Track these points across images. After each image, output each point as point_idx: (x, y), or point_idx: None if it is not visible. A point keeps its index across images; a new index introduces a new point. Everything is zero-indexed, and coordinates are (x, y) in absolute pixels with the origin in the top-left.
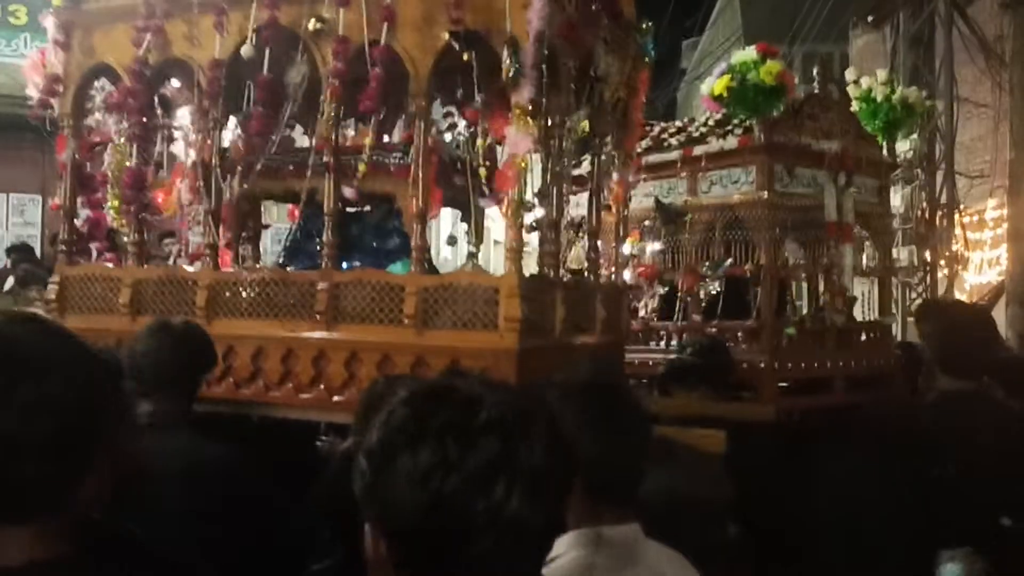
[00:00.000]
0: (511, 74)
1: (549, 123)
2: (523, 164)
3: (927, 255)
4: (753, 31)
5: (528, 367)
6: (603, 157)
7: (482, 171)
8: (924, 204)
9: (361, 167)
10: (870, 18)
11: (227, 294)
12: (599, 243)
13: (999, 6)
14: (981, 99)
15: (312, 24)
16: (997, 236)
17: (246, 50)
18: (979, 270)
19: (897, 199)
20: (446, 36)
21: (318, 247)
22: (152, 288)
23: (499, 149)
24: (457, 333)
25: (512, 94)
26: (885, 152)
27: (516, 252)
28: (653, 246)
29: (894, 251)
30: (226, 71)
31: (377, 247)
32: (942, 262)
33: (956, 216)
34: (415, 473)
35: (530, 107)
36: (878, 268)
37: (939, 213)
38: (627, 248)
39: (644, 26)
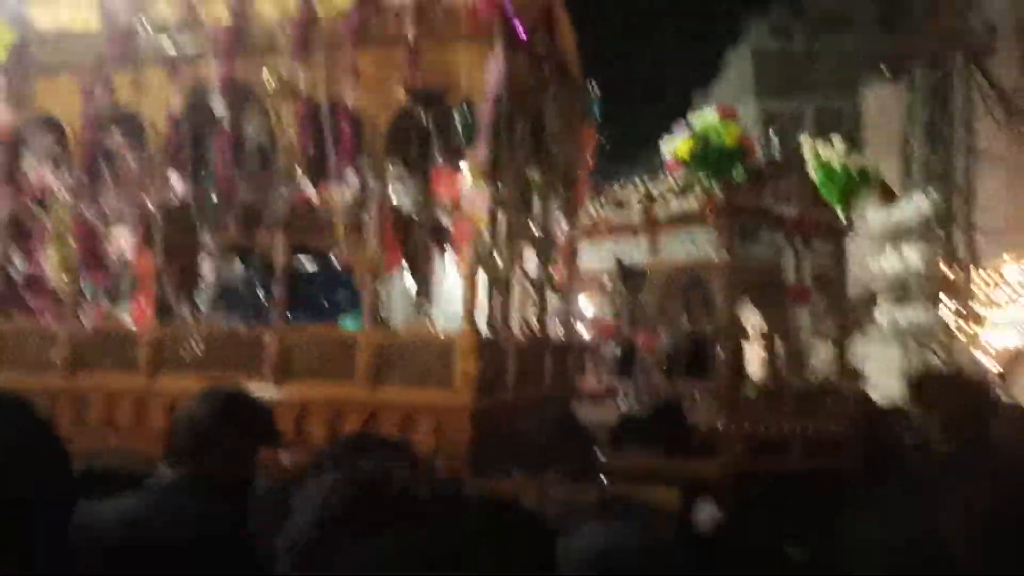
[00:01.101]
0: (463, 133)
1: (503, 181)
2: (480, 221)
3: (945, 314)
4: (764, 84)
5: (482, 424)
6: (550, 214)
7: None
8: (942, 261)
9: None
10: (882, 66)
11: (171, 349)
12: (547, 298)
13: (1019, 58)
14: (998, 153)
15: (269, 80)
16: (1016, 292)
17: (218, 107)
18: (997, 329)
19: (914, 255)
20: (402, 95)
21: (261, 300)
22: (91, 344)
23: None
24: (411, 389)
25: (467, 153)
26: (841, 218)
27: (471, 308)
28: (606, 303)
29: (912, 311)
30: (179, 125)
31: (325, 301)
32: (960, 321)
33: (976, 273)
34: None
35: (486, 166)
36: (833, 331)
37: (957, 270)
38: (583, 305)
39: (591, 87)
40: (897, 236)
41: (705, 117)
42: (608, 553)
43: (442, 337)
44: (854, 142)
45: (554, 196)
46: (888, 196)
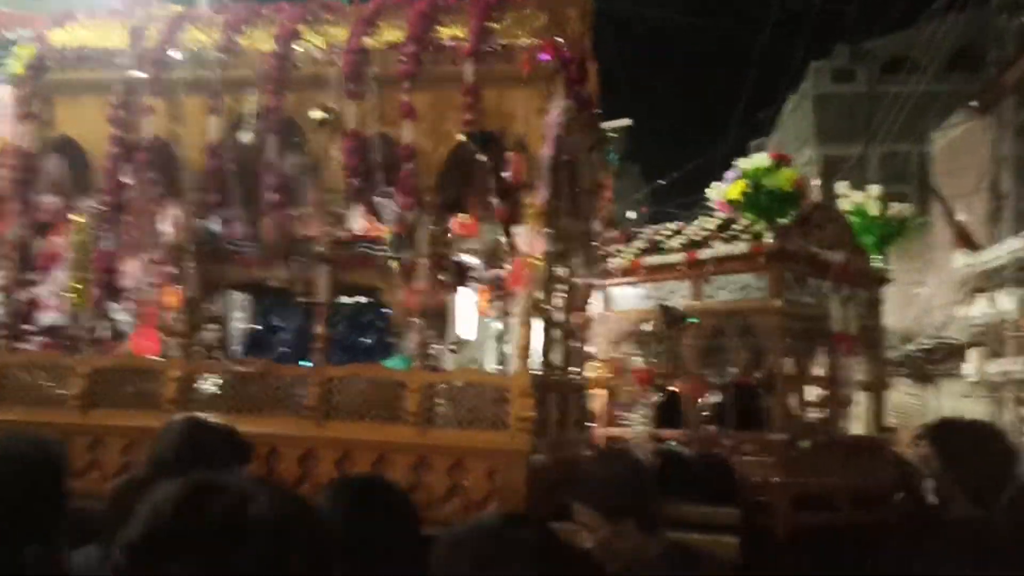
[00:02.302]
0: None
1: (555, 225)
2: (538, 264)
3: None
4: (826, 130)
5: (536, 467)
6: (576, 259)
7: None
8: None
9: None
10: (973, 103)
11: (200, 387)
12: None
13: None
14: None
15: (315, 114)
16: None
17: (245, 135)
18: None
19: (1008, 302)
20: (458, 134)
21: (281, 339)
22: (110, 379)
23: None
24: (462, 432)
25: (527, 196)
26: (878, 266)
27: (526, 350)
28: (644, 348)
29: (1006, 361)
30: (216, 156)
31: (353, 342)
32: None
33: None
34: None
35: (545, 209)
36: (872, 382)
37: None
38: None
39: (611, 136)
40: (988, 282)
41: (757, 160)
42: None
43: (495, 379)
44: (925, 186)
45: (579, 242)
46: (965, 241)
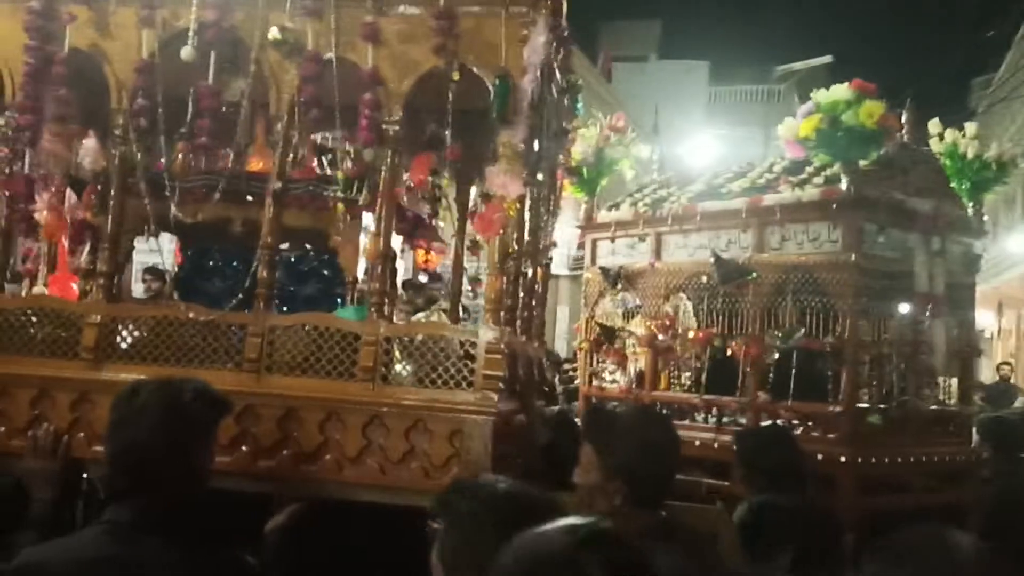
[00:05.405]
0: (499, 111)
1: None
2: (512, 209)
3: None
4: None
5: (503, 431)
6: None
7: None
8: None
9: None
10: None
11: (125, 334)
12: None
13: None
14: None
15: (272, 34)
16: None
17: (187, 52)
18: None
19: None
20: (429, 62)
21: (216, 286)
22: (18, 322)
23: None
24: (422, 390)
25: (504, 132)
26: (972, 216)
27: (497, 304)
28: (687, 306)
29: None
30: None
31: (291, 293)
32: None
33: None
34: None
35: (522, 147)
36: (963, 348)
37: None
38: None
39: (578, 82)
40: None
41: (835, 92)
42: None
43: (462, 334)
44: None
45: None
46: None
